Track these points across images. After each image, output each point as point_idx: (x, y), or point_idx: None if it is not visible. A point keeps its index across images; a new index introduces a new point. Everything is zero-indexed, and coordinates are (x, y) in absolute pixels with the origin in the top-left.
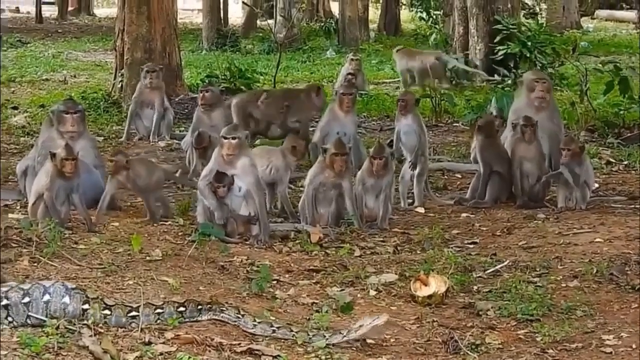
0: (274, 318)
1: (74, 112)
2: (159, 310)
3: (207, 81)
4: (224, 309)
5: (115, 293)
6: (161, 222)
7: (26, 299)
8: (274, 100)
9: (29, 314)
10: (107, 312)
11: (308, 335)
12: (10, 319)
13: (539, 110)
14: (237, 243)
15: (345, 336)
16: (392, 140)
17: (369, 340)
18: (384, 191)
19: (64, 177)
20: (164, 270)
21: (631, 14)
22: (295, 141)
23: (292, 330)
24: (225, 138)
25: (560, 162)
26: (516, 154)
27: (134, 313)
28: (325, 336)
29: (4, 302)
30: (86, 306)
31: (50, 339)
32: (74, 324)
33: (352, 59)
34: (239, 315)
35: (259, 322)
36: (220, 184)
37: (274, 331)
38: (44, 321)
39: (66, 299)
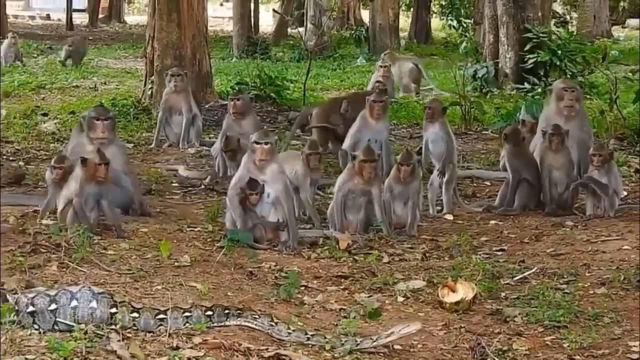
0: (302, 324)
1: (104, 119)
2: (187, 314)
3: (237, 89)
4: (257, 316)
5: (144, 298)
6: (190, 229)
7: (53, 306)
8: (355, 107)
9: (57, 319)
10: (135, 315)
11: (341, 341)
12: (36, 325)
13: (568, 119)
14: (265, 249)
15: (375, 341)
16: (420, 148)
17: (396, 346)
18: (411, 198)
19: (93, 183)
20: (193, 276)
21: None
22: (312, 148)
23: (325, 337)
24: (258, 143)
25: (590, 169)
26: (545, 162)
27: (162, 316)
28: (357, 341)
29: (31, 309)
30: (114, 310)
31: (79, 343)
32: (102, 329)
33: (381, 66)
34: (272, 323)
35: (293, 330)
36: (253, 191)
37: (308, 339)
38: (72, 327)
39: (94, 304)
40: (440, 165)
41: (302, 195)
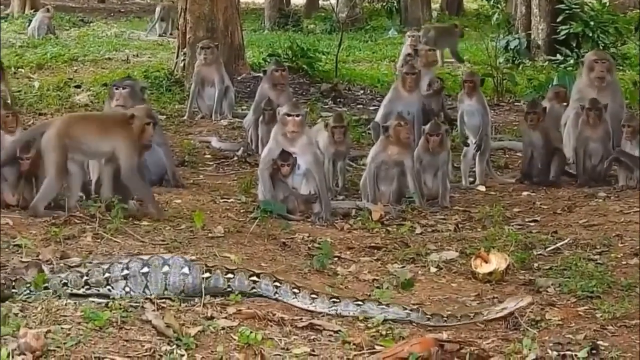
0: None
1: (122, 87)
2: (276, 284)
3: (271, 61)
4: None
5: None
6: (223, 200)
7: (145, 269)
8: None
9: (148, 284)
10: (230, 275)
11: (457, 316)
12: (128, 289)
13: (600, 90)
14: (298, 220)
15: (485, 316)
16: (448, 117)
17: None
18: (440, 168)
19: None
20: (226, 246)
21: None
22: (336, 121)
23: (426, 314)
24: (289, 115)
25: (622, 141)
26: (582, 134)
27: (254, 278)
28: (470, 316)
29: (124, 272)
30: (207, 275)
31: (114, 313)
32: (137, 301)
33: (409, 36)
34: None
35: (410, 310)
36: (285, 162)
37: (428, 319)
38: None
39: (185, 270)
40: (477, 138)
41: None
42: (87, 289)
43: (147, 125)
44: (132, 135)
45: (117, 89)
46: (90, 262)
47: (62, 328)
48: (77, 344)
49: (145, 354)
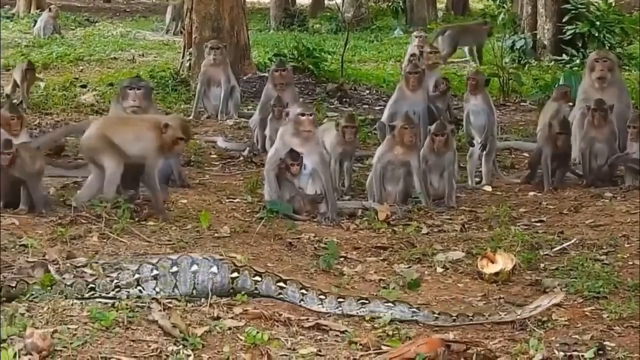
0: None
1: (137, 88)
2: (303, 291)
3: (280, 59)
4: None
5: None
6: (229, 200)
7: (174, 269)
8: None
9: (177, 283)
10: (257, 278)
11: (497, 312)
12: (158, 289)
13: (602, 89)
14: (304, 220)
15: (519, 315)
16: (454, 118)
17: None
18: (446, 168)
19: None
20: (232, 246)
21: None
22: (348, 121)
23: (469, 315)
24: (303, 115)
25: (628, 141)
26: (587, 135)
27: (281, 284)
28: (500, 315)
29: (154, 272)
30: (235, 274)
31: (120, 313)
32: (144, 301)
33: (416, 36)
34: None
35: (439, 314)
36: (295, 161)
37: (454, 320)
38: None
39: (214, 269)
40: (483, 137)
41: (331, 167)
42: (118, 291)
43: (179, 140)
44: (162, 143)
45: (131, 89)
46: (117, 264)
47: (68, 328)
48: (83, 344)
49: (151, 354)
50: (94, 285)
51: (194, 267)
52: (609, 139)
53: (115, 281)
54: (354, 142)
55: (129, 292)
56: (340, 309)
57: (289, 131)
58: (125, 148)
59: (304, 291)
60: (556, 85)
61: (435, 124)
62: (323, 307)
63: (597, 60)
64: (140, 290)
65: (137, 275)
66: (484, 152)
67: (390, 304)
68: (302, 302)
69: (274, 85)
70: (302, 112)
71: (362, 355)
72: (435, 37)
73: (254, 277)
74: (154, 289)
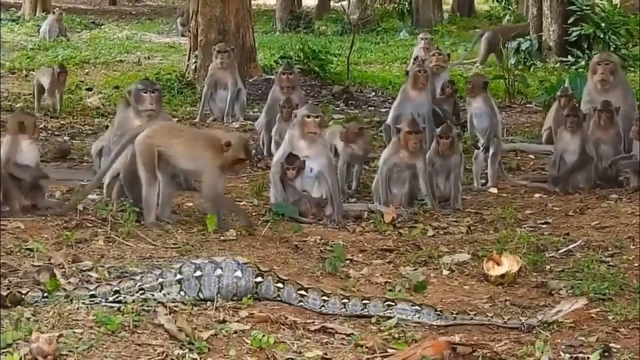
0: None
1: (152, 91)
2: (325, 297)
3: (287, 62)
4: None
5: None
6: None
7: (198, 273)
8: None
9: (202, 287)
10: (280, 285)
11: (503, 318)
12: (183, 292)
13: (608, 91)
14: (310, 223)
15: (540, 320)
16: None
17: None
18: (452, 171)
19: None
20: (239, 249)
21: None
22: (353, 125)
23: (487, 316)
24: (309, 117)
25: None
26: (593, 136)
27: (302, 292)
28: (521, 320)
29: (178, 276)
30: (259, 279)
31: (126, 317)
32: (150, 304)
33: (422, 39)
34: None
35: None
36: (291, 165)
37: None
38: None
39: (238, 273)
40: (485, 139)
41: (338, 170)
42: (142, 294)
43: (240, 160)
44: (222, 161)
45: (146, 92)
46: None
47: (74, 332)
48: (89, 348)
49: (157, 358)
50: (118, 289)
51: (218, 271)
52: (614, 140)
53: (139, 284)
54: (362, 145)
55: (153, 295)
56: (366, 310)
57: (296, 133)
58: (183, 165)
59: (325, 297)
60: (562, 87)
61: (441, 127)
62: (346, 311)
63: (599, 63)
64: (164, 295)
65: (160, 280)
66: (490, 154)
67: (417, 307)
68: (322, 309)
69: (281, 88)
70: (308, 113)
71: (368, 358)
72: (475, 41)
73: (277, 283)
74: (179, 293)
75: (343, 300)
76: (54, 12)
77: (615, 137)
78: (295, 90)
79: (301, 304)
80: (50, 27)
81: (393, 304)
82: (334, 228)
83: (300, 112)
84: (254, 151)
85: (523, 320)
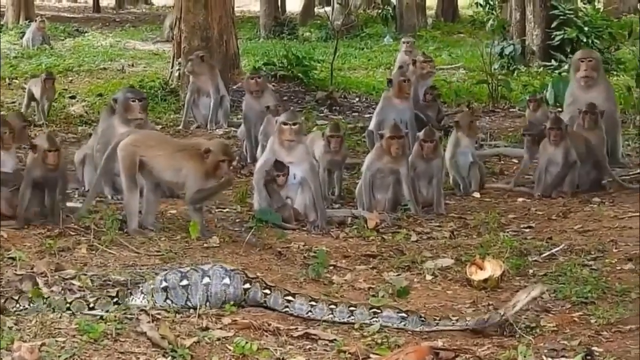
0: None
1: (140, 100)
2: (312, 303)
3: (259, 69)
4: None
5: None
6: (218, 210)
7: (184, 282)
8: None
9: (189, 296)
10: (267, 291)
11: (465, 320)
12: (169, 301)
13: (588, 88)
14: (294, 229)
15: (502, 316)
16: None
17: None
18: (435, 175)
19: None
20: (222, 256)
21: None
22: (333, 131)
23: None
24: (286, 124)
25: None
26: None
27: (289, 298)
28: (485, 319)
29: (164, 284)
30: (247, 285)
31: (109, 325)
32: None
33: (404, 42)
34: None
35: (440, 319)
36: (280, 172)
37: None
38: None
39: (226, 280)
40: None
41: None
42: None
43: (221, 162)
44: (204, 169)
45: (134, 101)
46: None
47: (56, 341)
48: (71, 357)
49: None
50: (117, 298)
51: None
52: (598, 143)
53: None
54: (341, 151)
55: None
56: (376, 319)
57: (278, 141)
58: (166, 177)
59: (313, 302)
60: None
61: (424, 131)
62: (334, 317)
63: (581, 60)
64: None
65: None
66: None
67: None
68: (309, 314)
69: (250, 93)
70: (285, 120)
71: None
72: None
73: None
74: (165, 300)
75: (351, 308)
76: (37, 20)
77: (600, 141)
78: (266, 92)
79: (287, 309)
80: (33, 35)
81: (406, 315)
82: (317, 234)
83: (279, 119)
84: (237, 158)
85: (485, 319)
